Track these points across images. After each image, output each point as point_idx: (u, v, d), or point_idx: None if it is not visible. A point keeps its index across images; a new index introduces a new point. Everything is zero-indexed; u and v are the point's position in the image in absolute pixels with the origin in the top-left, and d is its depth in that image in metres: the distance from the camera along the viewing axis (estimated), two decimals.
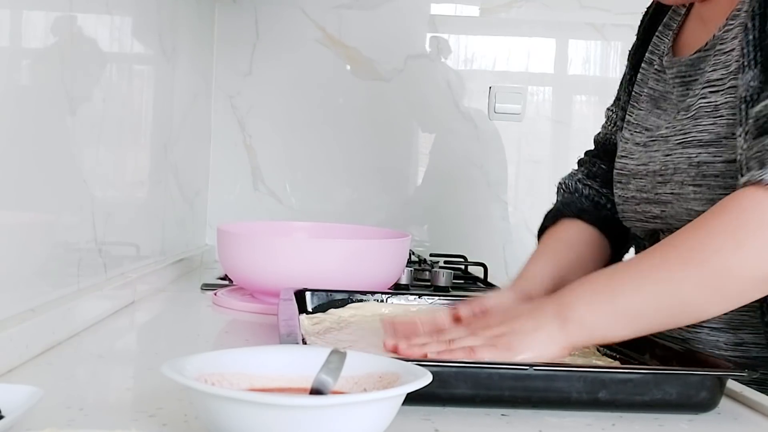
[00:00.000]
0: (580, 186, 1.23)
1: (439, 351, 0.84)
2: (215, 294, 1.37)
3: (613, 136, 1.22)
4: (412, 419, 0.73)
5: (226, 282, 1.50)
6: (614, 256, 1.20)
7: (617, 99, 1.23)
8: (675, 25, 1.12)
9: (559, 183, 1.27)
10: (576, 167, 1.28)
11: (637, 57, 1.17)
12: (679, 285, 0.85)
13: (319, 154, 2.13)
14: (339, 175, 2.13)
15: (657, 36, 1.14)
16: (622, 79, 1.22)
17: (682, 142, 1.00)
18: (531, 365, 0.78)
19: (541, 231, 1.22)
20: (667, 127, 1.04)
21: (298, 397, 0.62)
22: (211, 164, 2.11)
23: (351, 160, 2.13)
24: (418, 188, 2.15)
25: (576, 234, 1.17)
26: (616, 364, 0.91)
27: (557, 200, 1.25)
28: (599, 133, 1.28)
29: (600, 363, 0.90)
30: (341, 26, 2.11)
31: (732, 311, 0.98)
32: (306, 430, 0.58)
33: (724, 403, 0.82)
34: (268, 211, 2.11)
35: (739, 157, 0.90)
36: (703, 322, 1.03)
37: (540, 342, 0.84)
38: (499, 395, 0.77)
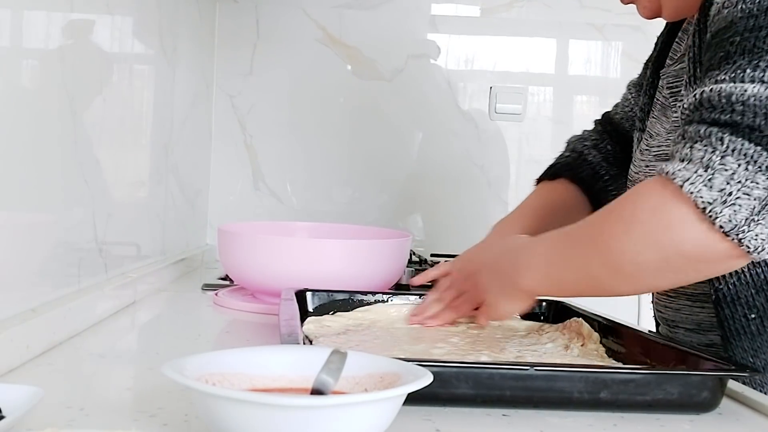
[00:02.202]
0: (586, 151, 1.26)
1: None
2: (216, 294, 1.37)
3: (626, 122, 1.24)
4: (413, 419, 0.73)
5: (227, 282, 1.50)
6: None
7: (639, 82, 1.23)
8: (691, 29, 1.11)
9: (569, 140, 1.30)
10: (589, 130, 1.31)
11: (658, 61, 1.14)
12: (588, 263, 0.89)
13: (320, 154, 2.13)
14: (340, 175, 2.13)
15: (676, 42, 1.13)
16: (647, 60, 1.22)
17: (659, 154, 1.02)
18: (532, 365, 0.78)
19: (539, 180, 1.27)
20: (660, 137, 1.05)
21: (299, 398, 0.62)
22: (212, 164, 2.11)
23: (352, 159, 2.13)
24: (418, 188, 2.15)
25: (564, 199, 1.22)
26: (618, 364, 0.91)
27: (563, 155, 1.28)
28: (614, 111, 1.29)
29: (601, 363, 0.91)
30: (342, 26, 2.11)
31: (702, 314, 1.00)
32: (307, 430, 0.58)
33: (726, 403, 0.82)
34: (269, 210, 2.11)
35: None
36: (678, 323, 1.06)
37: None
38: (501, 395, 0.77)
